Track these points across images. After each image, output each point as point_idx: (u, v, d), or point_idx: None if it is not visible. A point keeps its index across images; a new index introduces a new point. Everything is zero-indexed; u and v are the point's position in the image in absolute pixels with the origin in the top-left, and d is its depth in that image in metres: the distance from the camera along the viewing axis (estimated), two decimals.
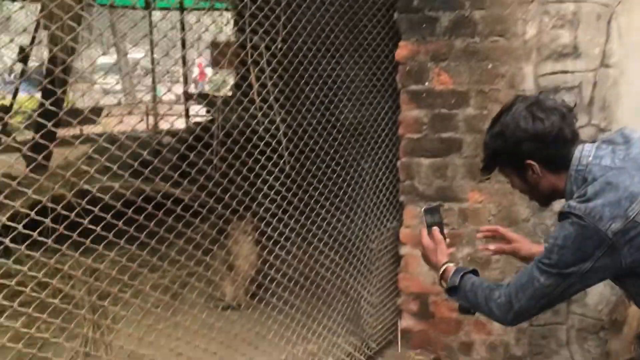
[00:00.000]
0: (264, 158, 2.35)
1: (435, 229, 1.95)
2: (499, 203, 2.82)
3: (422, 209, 1.98)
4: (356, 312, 2.86)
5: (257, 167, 2.32)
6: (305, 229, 2.59)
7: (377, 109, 2.93)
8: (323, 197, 2.70)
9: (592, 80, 2.76)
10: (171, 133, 5.56)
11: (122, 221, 1.76)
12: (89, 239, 1.65)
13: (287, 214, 2.50)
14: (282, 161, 2.45)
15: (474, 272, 1.89)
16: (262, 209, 2.40)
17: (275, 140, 2.41)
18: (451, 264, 1.90)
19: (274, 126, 2.45)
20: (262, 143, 2.35)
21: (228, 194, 2.25)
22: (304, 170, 2.59)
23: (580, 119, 2.79)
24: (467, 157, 2.83)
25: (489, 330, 2.91)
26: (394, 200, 3.02)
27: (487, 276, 2.87)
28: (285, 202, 2.50)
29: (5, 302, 1.51)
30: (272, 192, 2.44)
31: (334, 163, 2.78)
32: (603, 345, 2.88)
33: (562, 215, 1.62)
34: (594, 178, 1.59)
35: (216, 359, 2.14)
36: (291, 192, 2.51)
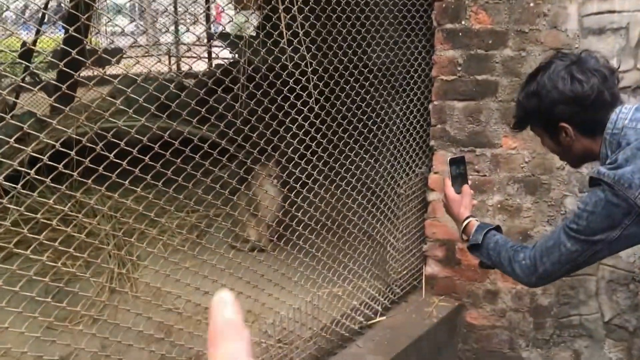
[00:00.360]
0: (292, 97, 2.26)
1: (460, 180, 1.93)
2: (533, 150, 2.71)
3: (447, 159, 1.96)
4: (382, 256, 2.83)
5: (285, 106, 2.24)
6: (332, 171, 2.53)
7: (410, 48, 2.80)
8: (352, 139, 2.63)
9: None
10: (193, 75, 5.48)
11: (148, 156, 1.72)
12: (115, 174, 1.62)
13: (315, 155, 2.43)
14: (310, 101, 2.36)
15: (497, 229, 1.86)
16: (290, 149, 2.33)
17: (304, 79, 2.32)
18: (474, 219, 1.88)
19: (302, 64, 2.35)
20: (290, 82, 2.26)
21: (256, 133, 2.19)
22: (333, 110, 2.51)
23: (625, 62, 2.66)
24: (502, 101, 2.72)
25: None
26: (423, 145, 2.93)
27: (518, 225, 2.80)
28: (314, 142, 2.43)
29: (31, 236, 1.49)
30: (300, 132, 2.37)
31: (364, 104, 2.68)
32: (633, 297, 2.82)
33: (593, 181, 1.56)
34: (627, 142, 1.52)
35: (242, 299, 2.13)
36: (319, 133, 2.44)
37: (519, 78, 2.62)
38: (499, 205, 2.81)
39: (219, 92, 2.10)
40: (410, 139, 2.84)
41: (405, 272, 2.93)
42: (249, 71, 2.20)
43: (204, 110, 1.94)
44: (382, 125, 2.79)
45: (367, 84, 2.67)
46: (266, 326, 2.29)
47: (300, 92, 2.31)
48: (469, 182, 1.97)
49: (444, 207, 2.01)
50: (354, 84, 2.57)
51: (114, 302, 2.42)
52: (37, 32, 5.84)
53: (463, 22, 2.69)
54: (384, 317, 2.76)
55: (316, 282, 2.45)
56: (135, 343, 1.84)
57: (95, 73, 1.98)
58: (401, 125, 2.83)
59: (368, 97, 2.71)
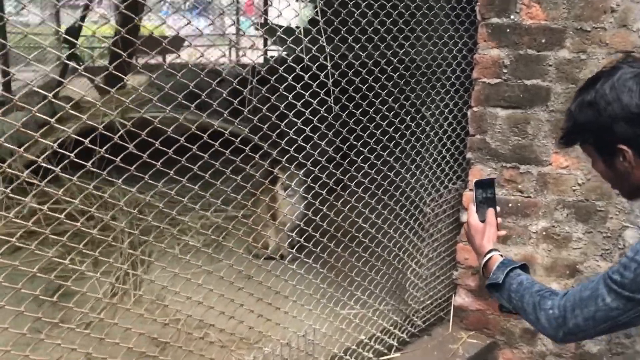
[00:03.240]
0: (315, 102, 1.98)
1: (486, 207, 1.69)
2: (588, 171, 2.29)
3: (474, 181, 1.73)
4: (400, 284, 2.47)
5: (314, 103, 1.97)
6: (353, 181, 2.22)
7: (449, 45, 2.43)
8: (379, 144, 2.30)
9: None
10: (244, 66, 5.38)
11: (172, 149, 1.58)
12: (134, 167, 1.49)
13: (339, 165, 2.15)
14: (334, 105, 2.06)
15: (523, 268, 1.57)
16: (311, 160, 2.05)
17: (337, 73, 2.03)
18: (497, 253, 1.61)
19: (336, 58, 2.07)
20: (321, 76, 1.97)
21: (276, 132, 1.93)
22: (358, 112, 2.18)
23: None
24: (554, 111, 2.31)
25: None
26: (459, 157, 2.55)
27: (565, 257, 2.39)
28: (338, 153, 2.14)
29: (38, 229, 1.35)
30: (324, 143, 2.09)
31: (396, 105, 2.33)
32: None
33: None
34: None
35: (251, 306, 1.92)
36: (343, 141, 2.15)
37: (575, 85, 2.21)
38: (544, 233, 2.40)
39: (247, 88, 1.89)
40: (443, 150, 2.47)
41: (429, 301, 2.56)
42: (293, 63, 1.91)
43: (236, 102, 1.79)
44: (411, 132, 2.43)
45: (401, 82, 2.32)
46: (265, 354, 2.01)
47: (333, 88, 2.02)
48: (497, 209, 1.67)
49: (466, 236, 1.75)
50: (386, 82, 2.24)
51: (116, 306, 2.24)
52: (86, 7, 5.73)
53: (512, 17, 2.29)
54: (399, 354, 2.40)
55: (330, 300, 2.15)
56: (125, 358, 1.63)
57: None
58: (434, 134, 2.47)
59: (402, 96, 2.36)
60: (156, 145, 1.54)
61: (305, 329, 2.08)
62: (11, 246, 1.33)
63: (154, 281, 1.88)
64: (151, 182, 1.58)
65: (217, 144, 1.69)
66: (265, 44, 7.78)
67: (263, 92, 2.31)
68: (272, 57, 6.56)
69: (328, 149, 2.24)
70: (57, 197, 1.41)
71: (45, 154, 1.36)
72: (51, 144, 1.42)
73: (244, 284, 1.89)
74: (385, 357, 2.34)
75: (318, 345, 2.11)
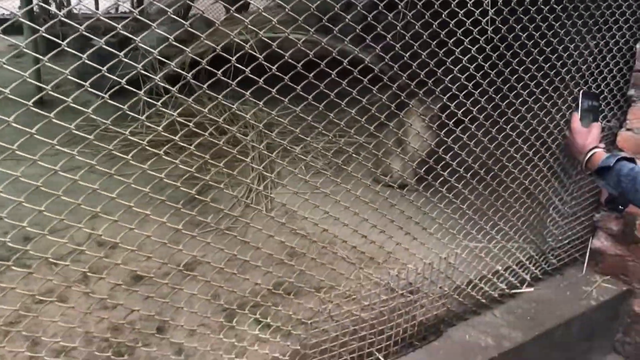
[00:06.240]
0: (460, 32, 1.86)
1: (591, 116, 1.82)
2: None
3: (580, 91, 1.86)
4: (541, 219, 2.39)
5: (458, 32, 1.85)
6: (496, 111, 2.12)
7: None
8: (527, 73, 2.16)
9: None
10: None
11: (312, 74, 1.53)
12: (275, 89, 1.46)
13: (475, 94, 2.03)
14: (483, 21, 1.94)
15: (633, 162, 1.65)
16: (444, 92, 1.96)
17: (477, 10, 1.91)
18: (602, 150, 1.72)
19: None
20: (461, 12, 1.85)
21: (416, 63, 1.85)
22: (503, 44, 2.05)
23: None
24: None
25: None
26: (618, 93, 2.37)
27: None
28: (473, 82, 2.02)
29: (182, 144, 1.38)
30: (459, 71, 1.98)
31: (538, 34, 2.16)
32: None
33: None
34: None
35: (383, 224, 1.92)
36: (482, 71, 2.01)
37: None
38: None
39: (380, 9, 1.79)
40: (602, 83, 2.30)
41: (567, 240, 2.48)
42: None
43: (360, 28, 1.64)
44: (567, 59, 2.26)
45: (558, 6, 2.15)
46: (391, 275, 2.04)
47: (473, 9, 1.90)
48: (602, 123, 1.82)
49: (566, 144, 1.90)
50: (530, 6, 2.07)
51: (247, 217, 2.34)
52: None
53: None
54: (532, 289, 2.36)
55: (455, 236, 2.12)
56: (262, 265, 1.71)
57: None
58: (591, 63, 2.29)
59: (552, 22, 2.19)
60: (298, 68, 1.49)
61: (447, 251, 2.08)
62: (145, 155, 1.35)
63: (281, 202, 1.91)
64: (289, 105, 1.58)
65: (351, 69, 1.60)
66: None
67: (409, 17, 2.23)
68: None
69: (461, 76, 2.13)
70: (199, 113, 1.42)
71: (192, 71, 1.37)
72: (199, 58, 1.45)
73: (370, 212, 1.87)
74: (517, 290, 2.32)
75: (457, 269, 2.11)
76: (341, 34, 1.58)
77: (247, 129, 3.89)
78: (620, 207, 1.78)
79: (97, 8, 8.14)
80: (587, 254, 2.55)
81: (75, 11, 7.10)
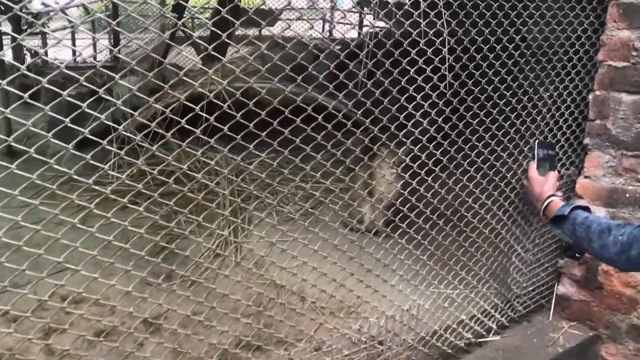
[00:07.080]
0: (420, 79, 1.93)
1: (547, 165, 1.88)
2: None
3: (536, 141, 1.92)
4: (504, 267, 2.43)
5: (419, 79, 1.92)
6: (455, 163, 2.18)
7: (573, 25, 2.33)
8: (484, 126, 2.24)
9: None
10: (339, 42, 5.38)
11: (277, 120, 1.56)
12: (240, 135, 1.50)
13: (439, 146, 2.09)
14: (448, 75, 2.02)
15: (587, 210, 1.72)
16: (411, 139, 2.02)
17: (446, 49, 1.99)
18: (559, 198, 1.76)
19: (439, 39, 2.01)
20: (429, 52, 1.93)
21: (378, 110, 1.91)
22: (464, 92, 2.12)
23: None
24: None
25: None
26: (574, 142, 2.46)
27: None
28: (439, 133, 2.08)
29: (146, 191, 1.38)
30: (425, 121, 2.05)
31: (510, 83, 2.25)
32: None
33: None
34: None
35: (346, 275, 1.94)
36: (446, 121, 2.08)
37: None
38: None
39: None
40: (559, 133, 2.39)
41: (531, 287, 2.51)
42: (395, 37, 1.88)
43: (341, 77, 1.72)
44: (525, 113, 2.35)
45: (513, 61, 2.25)
46: (352, 329, 2.04)
47: (439, 65, 1.99)
48: (558, 172, 1.89)
49: (524, 192, 1.96)
50: (500, 59, 2.18)
51: (216, 266, 2.31)
52: None
53: None
54: (499, 337, 2.37)
55: (417, 287, 2.13)
56: (229, 316, 1.68)
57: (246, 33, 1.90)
58: (549, 116, 2.39)
59: (515, 75, 2.28)
60: (262, 115, 1.51)
61: (410, 303, 2.09)
62: (113, 205, 1.37)
63: (253, 249, 1.92)
64: (255, 152, 1.62)
65: (319, 117, 1.68)
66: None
67: (369, 66, 2.30)
68: (378, 30, 6.50)
69: (430, 128, 2.20)
70: (168, 162, 1.40)
71: (157, 119, 1.39)
72: (163, 109, 1.45)
73: (338, 257, 1.89)
74: (484, 339, 2.33)
75: (421, 320, 2.12)
76: (317, 84, 1.66)
77: (217, 177, 3.90)
78: (577, 255, 1.85)
79: (74, 58, 8.18)
80: (553, 300, 2.58)
81: (51, 61, 7.14)
